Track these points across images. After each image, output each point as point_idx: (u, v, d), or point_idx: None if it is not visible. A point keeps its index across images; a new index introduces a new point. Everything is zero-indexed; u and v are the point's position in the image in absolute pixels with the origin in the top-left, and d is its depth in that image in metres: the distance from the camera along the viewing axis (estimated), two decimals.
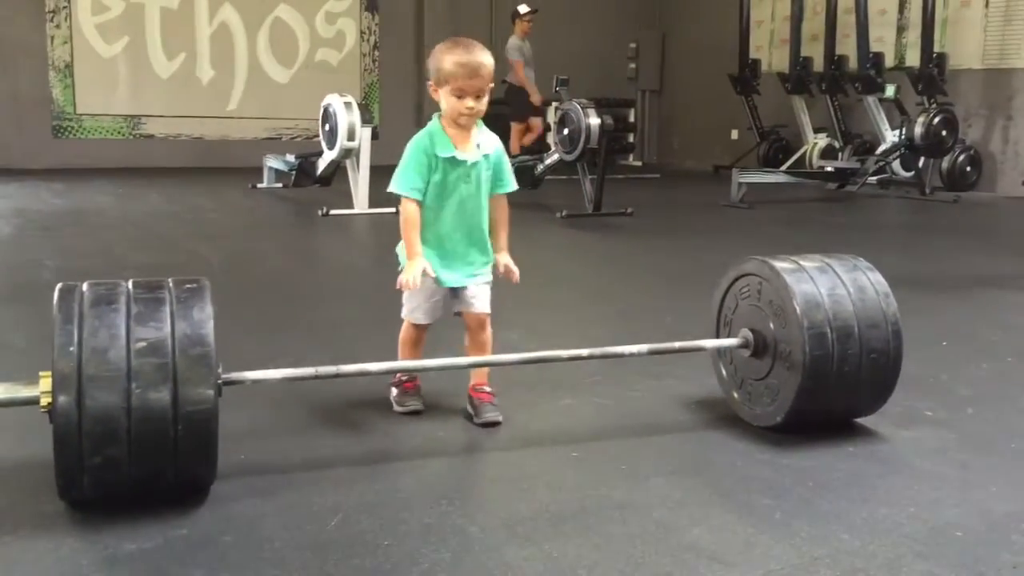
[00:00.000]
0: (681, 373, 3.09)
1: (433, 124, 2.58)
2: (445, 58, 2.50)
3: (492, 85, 2.55)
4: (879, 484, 2.25)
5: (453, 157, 2.54)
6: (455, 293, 2.67)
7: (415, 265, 2.54)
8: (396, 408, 2.70)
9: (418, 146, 2.56)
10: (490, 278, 2.70)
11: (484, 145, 2.60)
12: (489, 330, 2.70)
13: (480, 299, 2.67)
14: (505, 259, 2.67)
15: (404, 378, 2.76)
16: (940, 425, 2.69)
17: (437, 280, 2.61)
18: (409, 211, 2.57)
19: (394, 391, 2.74)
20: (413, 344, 2.76)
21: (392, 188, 2.59)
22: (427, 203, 2.58)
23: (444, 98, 2.52)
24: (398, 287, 2.60)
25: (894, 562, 1.85)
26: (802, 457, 2.39)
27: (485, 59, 2.51)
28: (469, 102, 2.50)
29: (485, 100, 2.53)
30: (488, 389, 2.69)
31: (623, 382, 2.93)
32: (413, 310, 2.70)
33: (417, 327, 2.74)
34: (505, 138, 10.00)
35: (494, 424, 2.60)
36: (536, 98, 10.07)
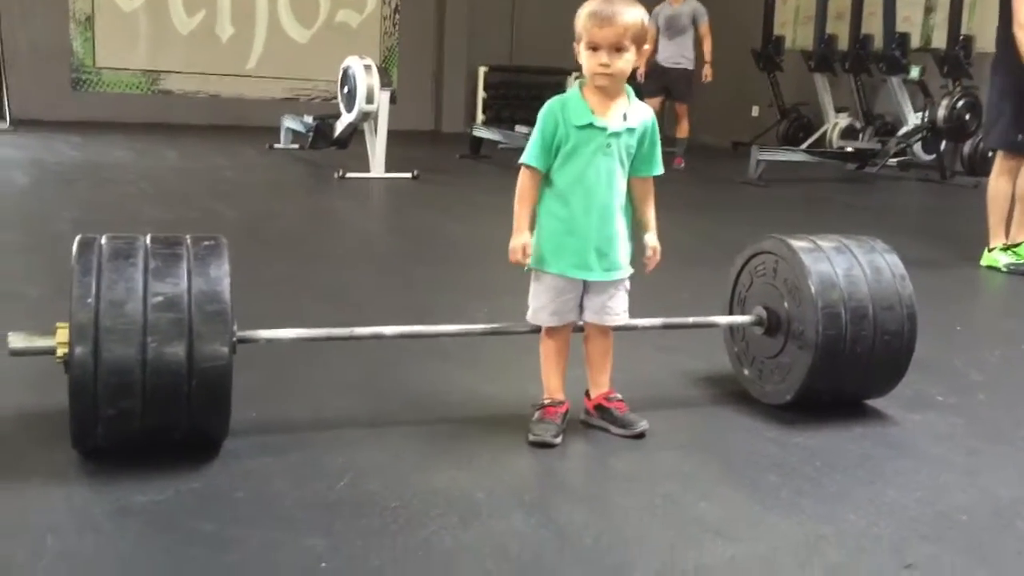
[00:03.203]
0: (693, 348, 3.09)
1: (572, 89, 2.28)
2: (582, 11, 2.20)
3: (647, 47, 2.24)
4: (887, 466, 2.26)
5: (590, 124, 2.22)
6: (585, 296, 2.34)
7: (516, 240, 2.25)
8: (529, 436, 2.28)
9: (549, 111, 2.24)
10: (628, 281, 2.37)
11: (631, 116, 2.27)
12: (612, 337, 2.43)
13: (616, 310, 2.35)
14: (653, 240, 2.38)
15: (546, 400, 2.38)
16: (950, 410, 2.69)
17: (565, 271, 2.29)
18: (523, 180, 2.27)
19: (534, 415, 2.35)
20: (555, 357, 2.38)
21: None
22: (557, 178, 2.26)
23: (582, 57, 2.21)
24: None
25: (899, 544, 1.86)
26: (811, 437, 2.40)
27: (624, 9, 2.17)
28: (603, 57, 2.17)
29: (627, 58, 2.17)
30: (620, 396, 2.41)
31: (635, 355, 2.93)
32: (537, 310, 2.34)
33: (550, 333, 2.37)
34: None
35: (644, 433, 2.34)
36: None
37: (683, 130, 9.34)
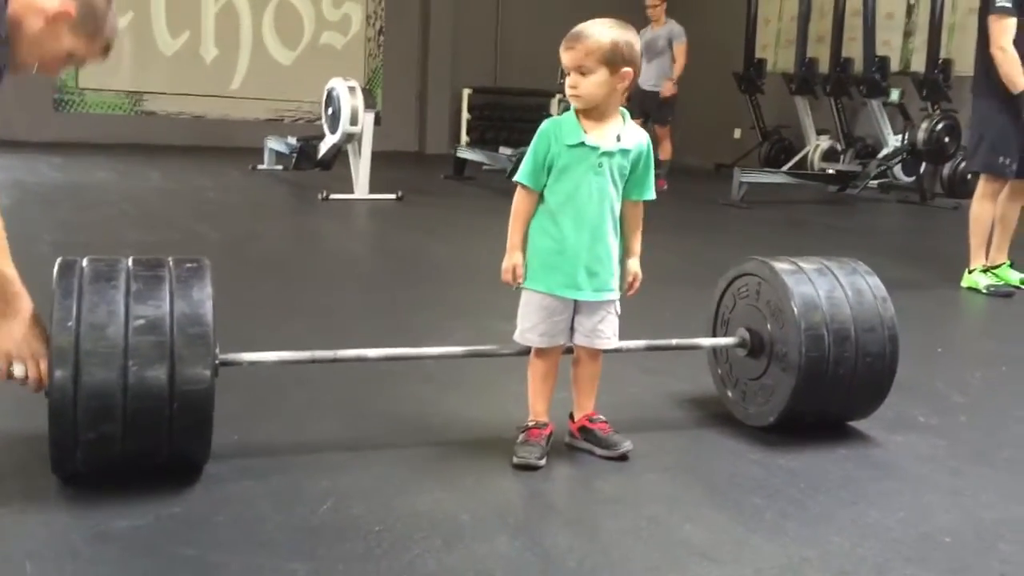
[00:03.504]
0: (676, 370, 3.10)
1: (570, 111, 2.27)
2: None
3: (626, 69, 2.19)
4: (870, 488, 2.26)
5: (582, 143, 2.22)
6: (576, 318, 2.33)
7: (507, 260, 2.28)
8: (513, 459, 2.26)
9: (543, 131, 2.25)
10: (618, 303, 2.37)
11: (625, 138, 2.26)
12: (601, 361, 2.42)
13: (606, 333, 2.34)
14: (635, 266, 2.37)
15: (531, 423, 2.36)
16: (933, 431, 2.70)
17: (554, 290, 2.27)
18: (517, 199, 2.28)
19: (519, 437, 2.33)
20: (542, 379, 2.36)
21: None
22: (550, 197, 2.25)
23: None
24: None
25: (883, 566, 1.86)
26: (794, 458, 2.40)
27: (595, 31, 2.17)
28: (571, 79, 2.19)
29: (595, 80, 2.17)
30: (603, 418, 2.41)
31: (618, 377, 2.93)
32: (525, 330, 2.31)
33: (539, 354, 2.34)
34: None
35: (627, 454, 2.33)
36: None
37: (665, 151, 9.38)
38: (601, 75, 2.17)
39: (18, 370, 2.01)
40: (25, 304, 2.02)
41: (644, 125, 9.33)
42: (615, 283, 2.34)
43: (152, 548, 1.79)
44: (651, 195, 2.37)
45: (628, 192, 2.33)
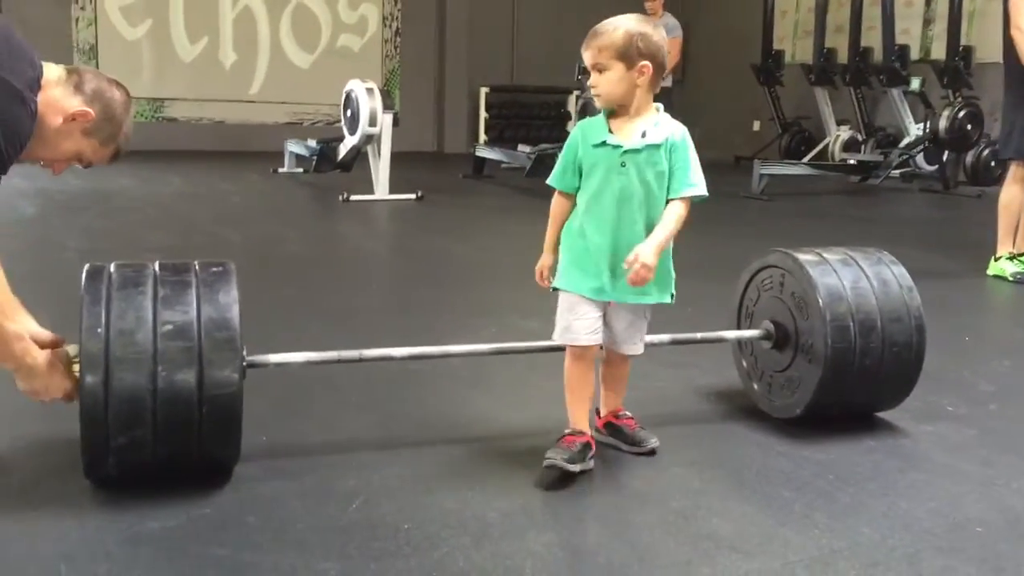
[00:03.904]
0: (702, 364, 3.09)
1: (602, 112, 2.23)
2: None
3: (645, 63, 2.13)
4: (899, 478, 2.25)
5: (604, 142, 2.17)
6: (606, 319, 2.28)
7: (540, 260, 2.29)
8: (544, 461, 2.19)
9: (572, 133, 2.24)
10: (648, 311, 2.33)
11: (653, 133, 2.17)
12: (630, 364, 2.41)
13: (633, 339, 2.31)
14: (640, 249, 2.12)
15: (567, 429, 2.29)
16: (961, 421, 2.68)
17: (580, 290, 2.22)
18: (553, 203, 2.27)
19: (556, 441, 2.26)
20: (577, 384, 2.28)
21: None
22: (579, 198, 2.23)
23: None
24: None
25: (913, 556, 1.85)
26: (822, 450, 2.39)
27: (610, 27, 2.13)
28: (591, 77, 2.17)
29: (610, 76, 2.13)
30: (629, 414, 2.42)
31: (644, 372, 2.93)
32: (565, 330, 2.24)
33: (573, 358, 2.26)
34: None
35: (655, 450, 2.34)
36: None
37: None
38: (617, 71, 2.13)
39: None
40: (34, 355, 2.03)
41: None
42: (654, 288, 2.23)
43: (184, 549, 1.81)
44: (692, 190, 2.19)
45: (668, 188, 2.22)
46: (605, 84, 2.14)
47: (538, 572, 1.76)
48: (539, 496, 2.12)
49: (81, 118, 2.06)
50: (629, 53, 2.12)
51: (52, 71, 2.07)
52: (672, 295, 2.29)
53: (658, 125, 2.20)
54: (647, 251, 2.11)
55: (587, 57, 2.16)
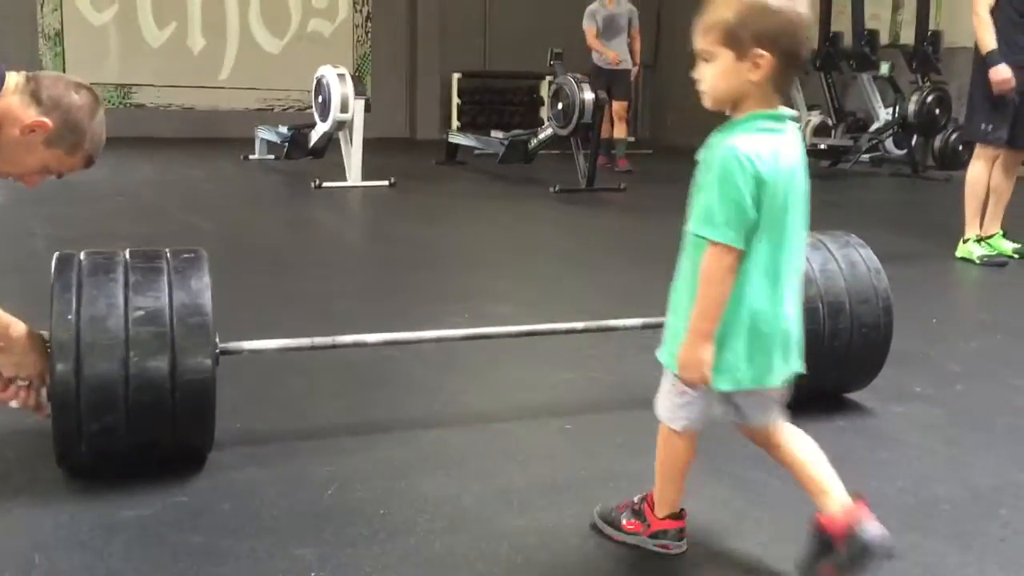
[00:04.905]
0: None
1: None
2: None
3: (758, 52, 1.57)
4: (868, 458, 2.29)
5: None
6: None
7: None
8: (649, 545, 1.83)
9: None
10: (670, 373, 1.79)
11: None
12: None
13: (772, 406, 1.78)
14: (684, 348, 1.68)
15: (661, 514, 1.84)
16: (929, 401, 2.73)
17: (728, 383, 1.68)
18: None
19: (634, 521, 1.86)
20: (684, 467, 1.82)
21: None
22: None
23: None
24: (682, 391, 1.73)
25: None
26: None
27: (714, 7, 1.61)
28: (697, 66, 1.67)
29: (710, 70, 1.63)
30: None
31: (617, 356, 2.95)
32: (680, 415, 1.76)
33: (684, 438, 1.79)
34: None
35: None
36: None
37: (622, 130, 9.35)
38: (724, 60, 1.60)
39: (15, 403, 2.04)
40: (16, 330, 2.01)
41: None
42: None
43: (159, 537, 1.81)
44: (696, 229, 1.67)
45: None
46: (709, 79, 1.64)
47: (514, 555, 1.78)
48: (513, 480, 2.13)
49: (40, 128, 1.91)
50: (740, 37, 1.58)
51: (11, 79, 1.93)
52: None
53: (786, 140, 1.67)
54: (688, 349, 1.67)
55: (695, 42, 1.65)
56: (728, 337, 1.65)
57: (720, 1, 1.62)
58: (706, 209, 1.63)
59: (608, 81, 8.89)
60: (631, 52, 9.25)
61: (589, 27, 8.91)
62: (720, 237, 1.60)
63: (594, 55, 9.02)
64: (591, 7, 9.04)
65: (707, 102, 1.68)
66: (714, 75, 1.63)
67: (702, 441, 2.23)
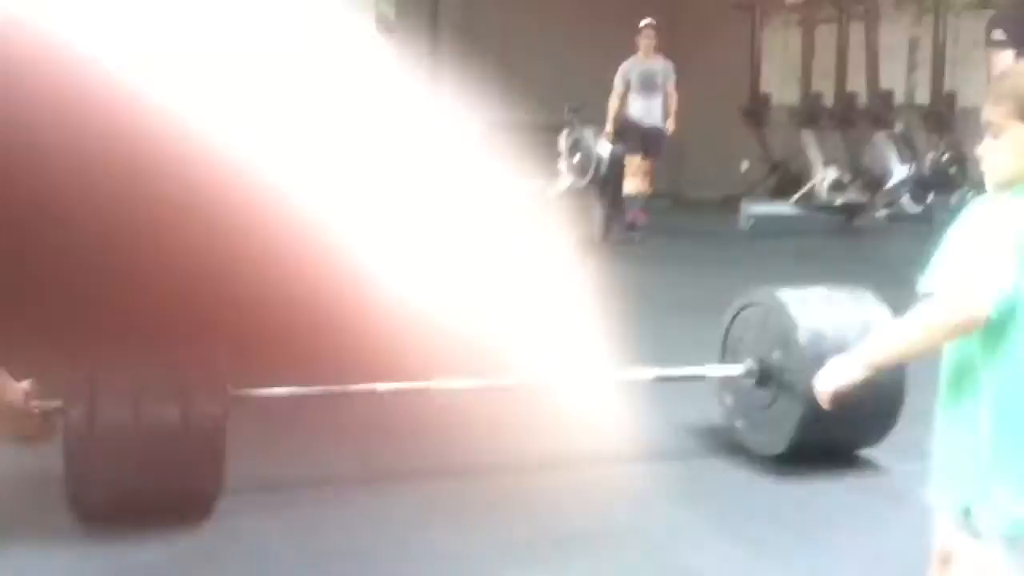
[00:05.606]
0: (685, 400, 3.10)
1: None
2: None
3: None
4: (880, 516, 2.26)
5: None
6: None
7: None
8: None
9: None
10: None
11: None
12: None
13: None
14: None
15: None
16: None
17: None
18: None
19: None
20: None
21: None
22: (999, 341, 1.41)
23: None
24: None
25: None
26: (803, 487, 2.40)
27: (1013, 69, 1.48)
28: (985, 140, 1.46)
29: (999, 146, 1.42)
30: None
31: (627, 407, 2.94)
32: None
33: None
34: None
35: None
36: (608, 127, 8.47)
37: (648, 184, 9.32)
38: (1016, 136, 1.40)
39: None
40: (14, 389, 1.99)
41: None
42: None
43: None
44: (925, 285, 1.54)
45: None
46: (995, 155, 1.43)
47: None
48: (521, 531, 2.12)
49: None
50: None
51: None
52: None
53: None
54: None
55: (985, 112, 1.44)
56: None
57: (1016, 72, 1.43)
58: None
59: (643, 138, 8.94)
60: (667, 110, 9.22)
61: (618, 86, 8.87)
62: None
63: (630, 109, 9.03)
64: (625, 64, 9.05)
65: (989, 183, 1.46)
66: (1004, 153, 1.41)
67: (709, 499, 2.22)
